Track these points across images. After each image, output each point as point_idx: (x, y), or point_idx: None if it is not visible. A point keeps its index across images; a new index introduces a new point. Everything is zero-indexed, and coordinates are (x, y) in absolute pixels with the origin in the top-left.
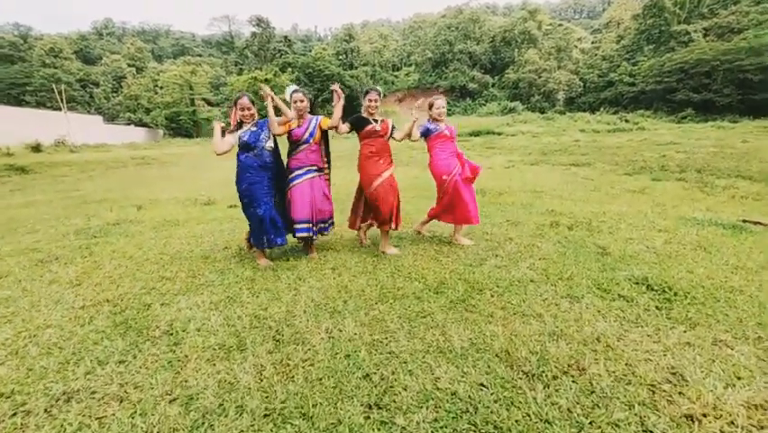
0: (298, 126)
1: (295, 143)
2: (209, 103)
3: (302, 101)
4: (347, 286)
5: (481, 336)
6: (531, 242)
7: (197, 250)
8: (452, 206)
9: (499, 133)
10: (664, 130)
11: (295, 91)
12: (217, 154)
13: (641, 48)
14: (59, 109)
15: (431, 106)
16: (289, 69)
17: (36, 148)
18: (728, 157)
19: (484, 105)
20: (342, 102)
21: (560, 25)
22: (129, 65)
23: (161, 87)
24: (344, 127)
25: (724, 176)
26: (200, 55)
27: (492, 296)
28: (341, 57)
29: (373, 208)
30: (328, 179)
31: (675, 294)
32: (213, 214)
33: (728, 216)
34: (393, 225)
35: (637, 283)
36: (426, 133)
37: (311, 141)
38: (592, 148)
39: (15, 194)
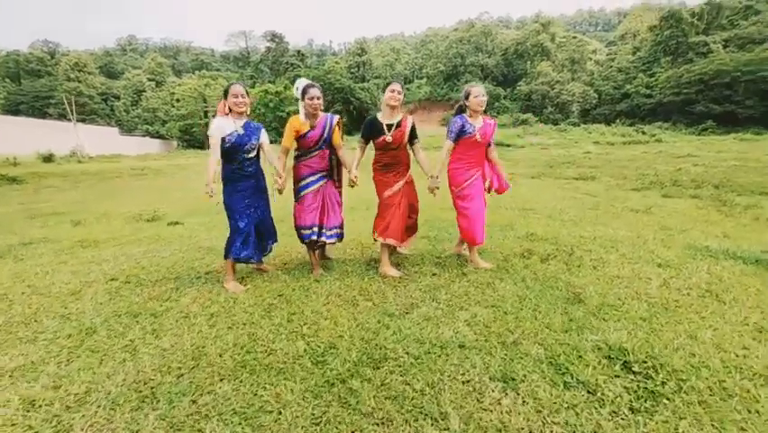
0: (312, 129)
1: (306, 149)
2: None
3: (318, 98)
4: (204, 346)
5: None
6: (488, 279)
7: (76, 282)
8: (461, 219)
9: (508, 145)
10: (683, 142)
11: (311, 86)
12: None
13: (657, 59)
14: (81, 121)
15: (467, 96)
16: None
17: (48, 158)
18: (752, 171)
19: (495, 116)
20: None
21: (574, 37)
22: (149, 79)
23: (178, 101)
24: (359, 153)
25: (746, 192)
26: (218, 70)
27: (392, 372)
28: (353, 70)
29: (377, 218)
30: (339, 187)
31: (665, 381)
32: (144, 233)
33: (750, 246)
34: (398, 243)
35: (610, 358)
36: (460, 135)
37: (324, 147)
38: (603, 160)
39: None
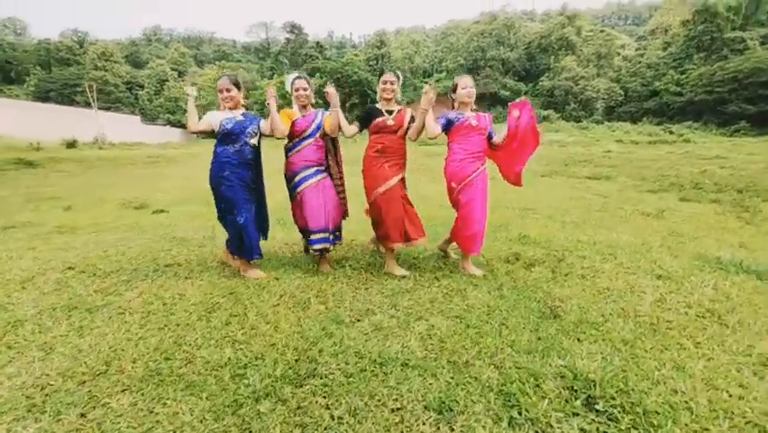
0: (302, 117)
1: (298, 138)
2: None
3: (305, 89)
4: (123, 349)
5: None
6: (461, 286)
7: (34, 269)
8: (458, 221)
9: None
10: (713, 143)
11: (297, 78)
12: (191, 132)
13: (690, 56)
14: (106, 109)
15: (455, 89)
16: (318, 74)
17: (72, 144)
18: None
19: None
20: (336, 107)
21: (601, 31)
22: (172, 69)
23: (199, 90)
24: (353, 128)
25: None
26: (239, 61)
27: (314, 393)
28: (371, 63)
29: (372, 222)
30: (339, 183)
31: (632, 427)
32: (125, 220)
33: None
34: (400, 243)
35: (572, 390)
36: (448, 125)
37: (317, 135)
38: (623, 160)
39: None
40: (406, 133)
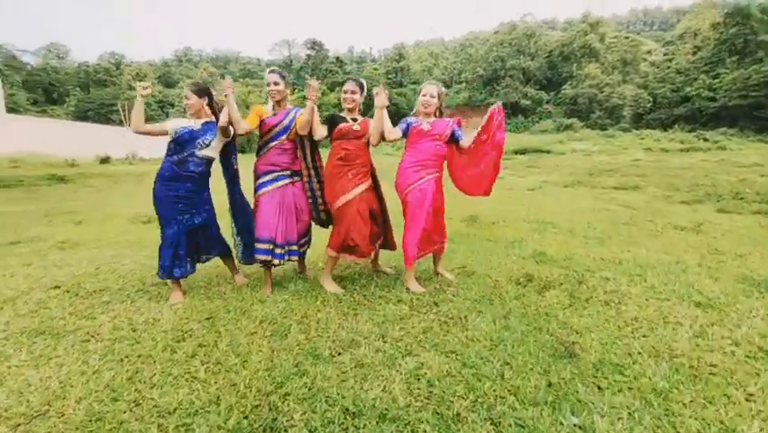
0: (273, 115)
1: (264, 138)
2: None
3: (276, 83)
4: (73, 385)
5: None
6: (464, 312)
7: (22, 287)
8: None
9: (548, 152)
10: (750, 150)
11: (270, 72)
12: (134, 131)
13: (722, 59)
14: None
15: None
16: (337, 89)
17: (105, 160)
18: None
19: (538, 121)
20: (313, 101)
21: (626, 37)
22: None
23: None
24: (322, 131)
25: None
26: (263, 78)
27: None
28: (390, 76)
29: (333, 229)
30: (318, 189)
31: None
32: (129, 235)
33: None
34: (361, 255)
35: None
36: (406, 130)
37: (283, 137)
38: (653, 169)
39: (3, 203)
40: (368, 141)
